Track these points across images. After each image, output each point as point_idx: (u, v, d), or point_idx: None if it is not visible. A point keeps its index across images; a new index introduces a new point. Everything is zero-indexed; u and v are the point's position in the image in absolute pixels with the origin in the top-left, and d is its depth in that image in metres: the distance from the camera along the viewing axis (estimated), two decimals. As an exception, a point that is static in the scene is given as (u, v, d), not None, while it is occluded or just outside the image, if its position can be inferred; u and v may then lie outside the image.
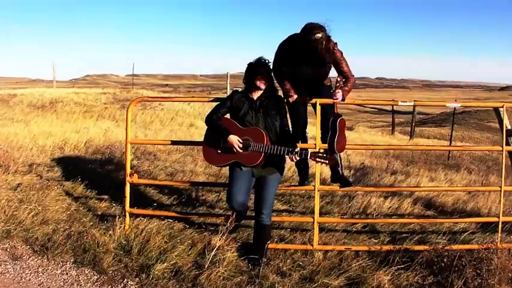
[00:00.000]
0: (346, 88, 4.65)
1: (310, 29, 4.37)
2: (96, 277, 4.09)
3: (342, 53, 4.63)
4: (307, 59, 4.58)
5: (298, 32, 4.48)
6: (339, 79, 4.65)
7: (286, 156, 4.23)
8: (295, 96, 4.78)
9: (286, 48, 4.64)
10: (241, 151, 4.25)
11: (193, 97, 7.32)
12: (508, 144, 5.31)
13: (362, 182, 8.01)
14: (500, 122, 5.38)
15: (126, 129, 4.98)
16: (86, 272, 4.16)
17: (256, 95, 4.38)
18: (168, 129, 13.90)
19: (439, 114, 45.39)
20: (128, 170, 4.96)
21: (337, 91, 4.54)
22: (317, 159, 4.16)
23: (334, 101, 4.56)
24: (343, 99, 4.58)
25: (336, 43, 4.59)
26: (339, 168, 5.00)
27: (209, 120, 4.43)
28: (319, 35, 4.34)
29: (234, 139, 4.24)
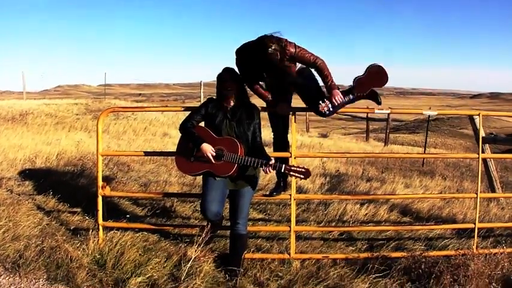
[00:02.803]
0: (332, 84, 4.51)
1: (265, 43, 4.28)
2: (69, 293, 3.97)
3: (295, 46, 4.42)
4: (269, 72, 4.56)
5: (251, 39, 4.40)
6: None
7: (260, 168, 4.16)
8: (270, 97, 4.76)
9: (244, 60, 4.50)
10: (214, 161, 4.18)
11: (166, 106, 7.21)
12: (483, 151, 5.37)
13: (338, 189, 8.03)
14: (476, 129, 5.45)
15: (97, 141, 4.86)
16: (59, 288, 4.03)
17: (229, 103, 4.27)
18: (141, 139, 13.72)
19: (412, 121, 45.96)
20: (100, 183, 4.84)
21: (327, 103, 4.54)
22: (291, 173, 4.10)
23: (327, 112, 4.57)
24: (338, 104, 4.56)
25: (286, 40, 4.42)
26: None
27: (183, 127, 4.34)
28: (275, 47, 4.31)
29: (208, 148, 4.16)
